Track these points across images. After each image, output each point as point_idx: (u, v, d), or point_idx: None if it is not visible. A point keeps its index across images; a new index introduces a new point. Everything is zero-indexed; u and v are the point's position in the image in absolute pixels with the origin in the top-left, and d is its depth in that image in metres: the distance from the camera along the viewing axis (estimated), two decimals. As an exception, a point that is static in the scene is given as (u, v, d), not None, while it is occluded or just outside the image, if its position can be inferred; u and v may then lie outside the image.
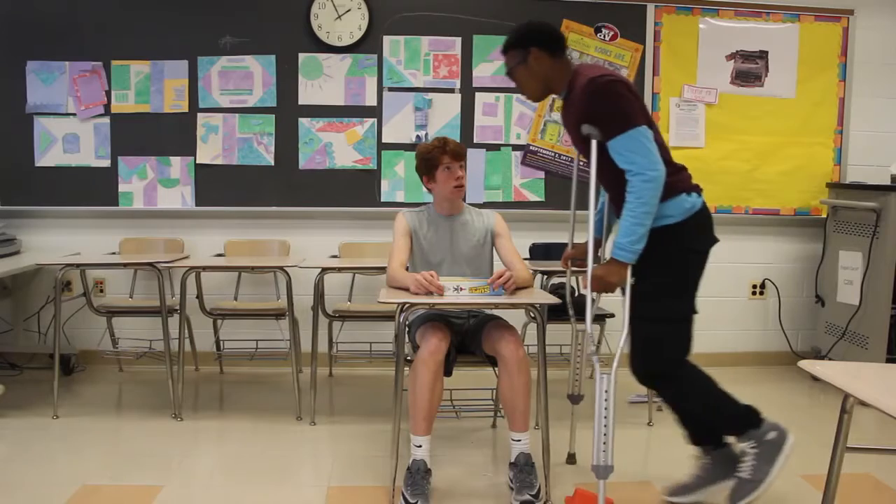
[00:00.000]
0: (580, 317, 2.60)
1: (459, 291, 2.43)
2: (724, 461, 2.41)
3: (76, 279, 3.99)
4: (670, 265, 2.25)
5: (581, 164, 2.54)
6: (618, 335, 2.67)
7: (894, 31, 4.24)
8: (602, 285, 2.23)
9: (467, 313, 2.80)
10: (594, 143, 2.23)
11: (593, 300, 2.27)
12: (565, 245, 2.74)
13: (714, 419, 2.37)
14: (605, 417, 2.10)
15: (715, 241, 2.33)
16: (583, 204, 2.32)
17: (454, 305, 2.65)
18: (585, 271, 2.28)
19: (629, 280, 2.23)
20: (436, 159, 2.72)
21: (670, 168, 2.22)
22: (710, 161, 4.17)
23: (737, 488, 2.30)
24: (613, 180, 2.27)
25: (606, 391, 2.10)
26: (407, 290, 2.48)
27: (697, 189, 2.32)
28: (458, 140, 3.20)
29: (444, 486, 2.59)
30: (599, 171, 2.27)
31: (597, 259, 2.39)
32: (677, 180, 2.24)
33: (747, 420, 2.32)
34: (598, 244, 2.59)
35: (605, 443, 2.10)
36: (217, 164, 4.01)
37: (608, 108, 2.18)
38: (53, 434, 3.07)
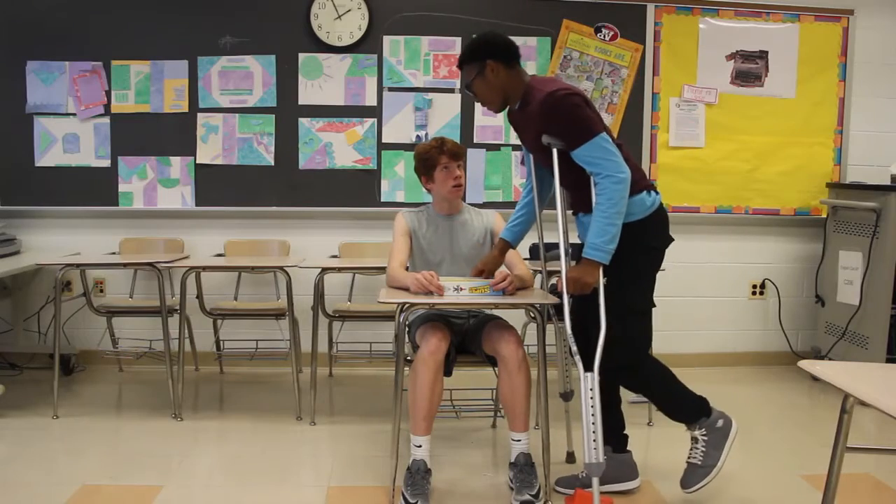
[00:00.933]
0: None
1: (459, 291, 2.44)
2: (619, 466, 2.51)
3: (76, 279, 3.99)
4: (632, 261, 2.32)
5: (541, 171, 2.64)
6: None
7: (894, 31, 4.24)
8: (578, 286, 2.28)
9: (467, 313, 2.80)
10: (555, 151, 2.32)
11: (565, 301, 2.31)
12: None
13: (671, 408, 2.48)
14: (593, 416, 2.13)
15: (671, 240, 2.44)
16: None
17: (454, 305, 2.65)
18: (559, 272, 2.34)
19: (601, 280, 2.28)
20: (434, 159, 2.72)
21: (630, 166, 2.30)
22: (710, 161, 4.17)
23: (689, 473, 2.42)
24: (575, 183, 2.36)
25: (591, 389, 2.16)
26: (407, 289, 2.48)
27: (654, 188, 2.42)
28: (457, 140, 3.20)
29: (444, 486, 2.59)
30: (562, 176, 2.36)
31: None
32: (636, 179, 2.31)
33: (700, 409, 2.44)
34: (509, 247, 2.70)
35: (595, 440, 2.13)
36: (217, 164, 4.01)
37: (568, 120, 2.26)
38: (53, 434, 3.07)
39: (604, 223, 2.23)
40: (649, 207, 2.35)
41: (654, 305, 2.43)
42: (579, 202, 2.44)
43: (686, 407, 2.45)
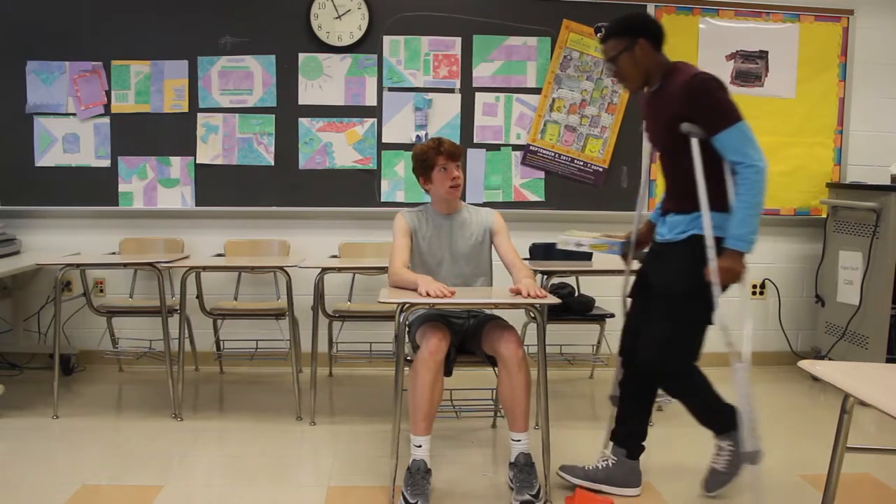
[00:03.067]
0: (582, 317, 2.63)
1: (580, 247, 2.53)
2: (625, 469, 2.53)
3: (76, 279, 3.99)
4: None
5: (650, 161, 2.61)
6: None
7: (894, 31, 4.24)
8: (731, 276, 2.30)
9: (467, 313, 2.80)
10: (694, 141, 2.27)
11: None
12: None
13: (707, 417, 2.52)
14: (748, 405, 2.21)
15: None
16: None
17: (454, 305, 2.65)
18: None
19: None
20: (431, 160, 2.72)
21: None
22: (710, 161, 4.17)
23: (711, 478, 2.53)
24: (685, 176, 2.31)
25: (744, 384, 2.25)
26: (412, 289, 2.48)
27: None
28: (457, 140, 3.21)
29: (444, 486, 2.59)
30: (675, 167, 2.36)
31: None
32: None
33: (730, 422, 2.46)
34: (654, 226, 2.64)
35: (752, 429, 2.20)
36: (217, 164, 4.01)
37: (714, 103, 2.25)
38: (53, 434, 3.07)
39: (747, 213, 2.23)
40: None
41: (713, 322, 2.40)
42: (682, 199, 2.37)
43: (718, 419, 2.50)
